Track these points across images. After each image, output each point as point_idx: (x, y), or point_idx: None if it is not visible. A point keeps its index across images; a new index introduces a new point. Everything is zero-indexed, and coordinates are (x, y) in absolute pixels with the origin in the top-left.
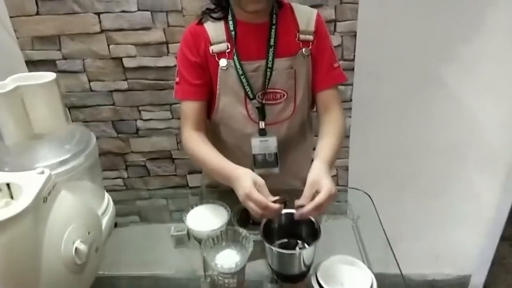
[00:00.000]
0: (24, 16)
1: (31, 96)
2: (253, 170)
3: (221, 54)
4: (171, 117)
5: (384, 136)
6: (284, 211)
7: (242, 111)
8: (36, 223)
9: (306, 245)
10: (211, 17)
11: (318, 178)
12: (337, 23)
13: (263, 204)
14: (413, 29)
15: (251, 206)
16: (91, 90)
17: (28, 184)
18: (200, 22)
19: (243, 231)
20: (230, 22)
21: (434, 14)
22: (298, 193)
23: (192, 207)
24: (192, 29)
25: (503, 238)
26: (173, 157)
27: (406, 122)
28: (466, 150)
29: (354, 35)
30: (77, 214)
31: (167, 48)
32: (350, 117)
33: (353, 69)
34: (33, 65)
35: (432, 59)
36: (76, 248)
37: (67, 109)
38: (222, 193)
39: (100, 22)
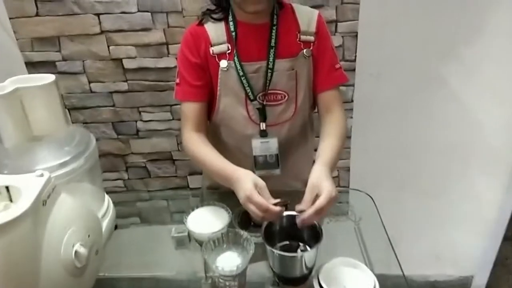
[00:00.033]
0: (23, 17)
1: (30, 98)
2: (254, 172)
3: (221, 55)
4: (171, 118)
5: (385, 137)
6: (286, 213)
7: (243, 112)
8: (35, 226)
9: (307, 247)
10: (212, 18)
11: (318, 181)
12: (338, 23)
13: (264, 207)
14: (414, 29)
15: (252, 208)
16: (91, 92)
17: (27, 187)
18: (201, 23)
19: (244, 233)
20: (231, 23)
21: (435, 15)
22: (300, 194)
23: (193, 209)
24: (193, 30)
25: (505, 239)
26: (174, 158)
27: (407, 122)
28: (468, 151)
29: (355, 35)
30: (77, 217)
31: (167, 49)
32: (351, 117)
33: (354, 70)
34: (32, 66)
35: (433, 60)
36: (76, 251)
37: (67, 111)
38: (223, 194)
39: (100, 23)
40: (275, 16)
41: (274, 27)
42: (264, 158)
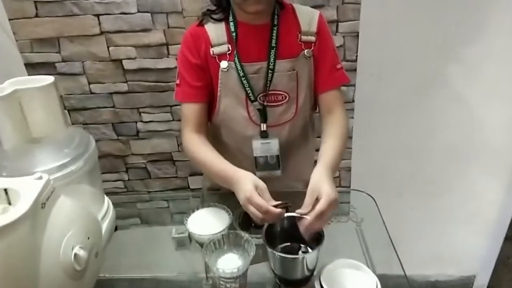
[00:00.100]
0: (23, 18)
1: (29, 99)
2: (254, 173)
3: (221, 56)
4: (171, 119)
5: (386, 137)
6: (286, 214)
7: (243, 113)
8: (34, 230)
9: (309, 249)
10: (212, 18)
11: (318, 185)
12: (339, 23)
13: (264, 208)
14: (415, 29)
15: (252, 210)
16: (91, 93)
17: (26, 189)
18: (201, 24)
19: (245, 235)
20: (231, 23)
21: (436, 14)
22: (301, 195)
23: (193, 211)
24: (193, 31)
25: (507, 238)
26: (174, 159)
27: (408, 122)
28: (469, 150)
29: (356, 35)
30: (76, 219)
31: (167, 49)
32: (352, 118)
33: (355, 70)
34: (32, 67)
35: (435, 60)
36: (75, 254)
37: (66, 112)
38: (224, 196)
39: (99, 24)
40: (275, 17)
41: (275, 28)
42: (265, 159)
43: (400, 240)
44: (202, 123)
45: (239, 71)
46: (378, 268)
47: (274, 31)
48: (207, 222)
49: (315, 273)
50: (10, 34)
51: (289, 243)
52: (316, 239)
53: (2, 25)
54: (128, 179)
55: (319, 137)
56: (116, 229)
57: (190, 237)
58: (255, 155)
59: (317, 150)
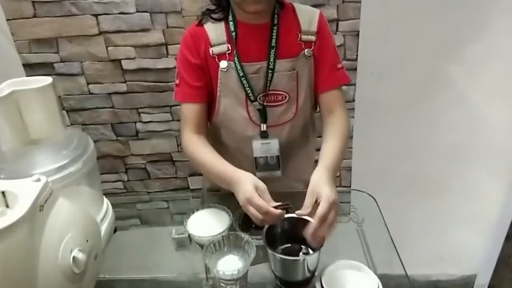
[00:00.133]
0: (21, 18)
1: (27, 101)
2: (254, 173)
3: (221, 56)
4: (171, 119)
5: (387, 137)
6: (287, 216)
7: (243, 113)
8: (32, 232)
9: (310, 250)
10: (211, 18)
11: (318, 186)
12: (340, 22)
13: (264, 209)
14: (417, 28)
15: (252, 211)
16: (90, 93)
17: (24, 192)
18: (200, 23)
19: (245, 236)
20: (231, 23)
21: (438, 13)
22: (301, 196)
23: (193, 212)
24: (192, 31)
25: (508, 237)
26: (174, 159)
27: (409, 122)
28: (471, 151)
29: (356, 34)
30: (75, 222)
31: (167, 49)
32: (353, 117)
33: (355, 69)
34: (30, 68)
35: (436, 59)
36: (74, 257)
37: (65, 113)
38: (224, 196)
39: (98, 24)
40: (275, 16)
41: (275, 27)
42: (265, 159)
43: (401, 240)
44: (202, 123)
45: (238, 71)
46: (379, 268)
47: (274, 31)
48: (207, 223)
49: (316, 274)
50: (8, 34)
51: (289, 244)
52: None
53: (0, 26)
54: (128, 180)
55: (319, 136)
56: (115, 230)
57: (190, 237)
58: (255, 155)
59: (318, 149)
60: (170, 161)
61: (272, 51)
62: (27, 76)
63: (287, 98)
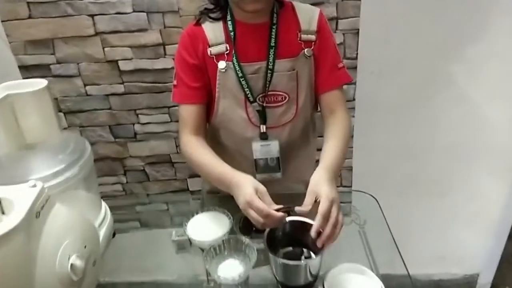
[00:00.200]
0: (16, 20)
1: (22, 104)
2: (254, 175)
3: (219, 56)
4: (169, 120)
5: (388, 136)
6: (288, 218)
7: (242, 115)
8: (28, 240)
9: (311, 253)
10: (209, 17)
11: (318, 186)
12: (339, 20)
13: (265, 212)
14: (417, 26)
15: (252, 214)
16: (87, 95)
17: (20, 198)
18: (198, 23)
19: (245, 240)
20: (229, 23)
21: (439, 11)
22: (302, 197)
23: (193, 215)
24: (190, 30)
25: (511, 236)
26: (173, 161)
27: (410, 121)
28: (472, 150)
29: (356, 32)
30: (73, 228)
31: (164, 49)
32: (353, 116)
33: (355, 68)
34: (26, 70)
35: (437, 57)
36: (71, 264)
37: (62, 115)
38: (224, 199)
39: (94, 24)
40: (274, 15)
41: (274, 26)
42: (265, 161)
43: (403, 240)
44: (200, 125)
45: (237, 72)
46: (381, 269)
47: (273, 30)
48: (207, 227)
49: (318, 278)
50: (3, 36)
51: (291, 248)
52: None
53: None
54: (127, 182)
55: (320, 136)
56: (114, 235)
57: (190, 239)
58: (254, 157)
59: (319, 150)
60: (169, 163)
61: (272, 51)
62: (23, 78)
63: (287, 99)
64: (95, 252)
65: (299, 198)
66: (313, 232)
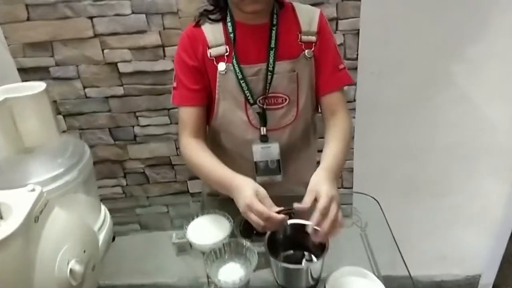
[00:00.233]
0: (14, 22)
1: (20, 108)
2: (255, 178)
3: (219, 58)
4: (169, 122)
5: (389, 136)
6: (290, 221)
7: (242, 117)
8: (27, 245)
9: (313, 256)
10: (209, 19)
11: (317, 184)
12: (339, 21)
13: (265, 215)
14: (418, 26)
15: (252, 217)
16: (86, 97)
17: (18, 202)
18: (198, 24)
19: (246, 243)
20: (229, 24)
21: (440, 11)
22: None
23: (193, 218)
24: (189, 32)
25: None
26: (173, 163)
27: (411, 122)
28: (473, 150)
29: (356, 33)
30: (72, 232)
31: (164, 51)
32: (354, 117)
33: (356, 69)
34: (25, 72)
35: (437, 57)
36: (71, 269)
37: (62, 117)
38: (224, 201)
39: (93, 26)
40: (274, 16)
41: (274, 28)
42: (265, 163)
43: (404, 241)
44: (200, 127)
45: (237, 74)
46: (383, 270)
47: (273, 31)
48: (207, 230)
49: (320, 281)
50: (2, 38)
51: (292, 251)
52: (320, 246)
53: None
54: (127, 185)
55: (321, 137)
56: (113, 239)
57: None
58: (255, 160)
59: (320, 151)
60: (169, 165)
61: (272, 52)
62: (22, 80)
63: (287, 101)
64: (95, 256)
65: (300, 200)
66: (309, 228)
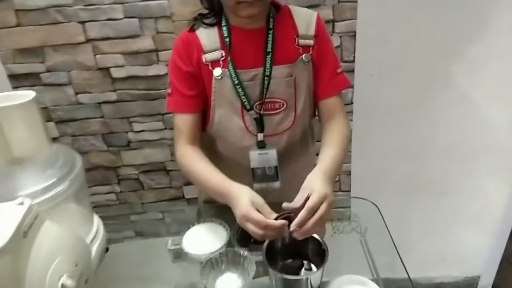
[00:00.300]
0: (4, 28)
1: (9, 118)
2: (252, 185)
3: (215, 63)
4: (163, 127)
5: (388, 137)
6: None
7: (239, 123)
8: (16, 261)
9: (312, 265)
10: (204, 23)
11: (310, 183)
12: (336, 23)
13: (263, 224)
14: (415, 27)
15: (250, 227)
16: (78, 103)
17: (6, 217)
18: (192, 29)
19: (244, 253)
20: (224, 28)
21: (437, 12)
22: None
23: (189, 227)
24: (184, 37)
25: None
26: (168, 168)
27: (409, 124)
28: (473, 150)
29: (353, 35)
30: (63, 246)
31: (157, 56)
32: (351, 120)
33: (353, 71)
34: (15, 79)
35: (435, 59)
36: (62, 285)
37: (54, 124)
38: (221, 208)
39: (85, 31)
40: (271, 20)
41: (271, 32)
42: (262, 170)
43: (404, 242)
44: (196, 134)
45: (233, 79)
46: (382, 273)
47: (270, 35)
48: (203, 239)
49: None
50: None
51: (291, 260)
52: (319, 254)
53: None
54: (121, 191)
55: (318, 141)
56: (107, 250)
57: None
58: (252, 166)
59: (318, 154)
60: (164, 171)
61: (268, 56)
62: (12, 87)
63: (285, 106)
64: (87, 269)
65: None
66: (293, 225)
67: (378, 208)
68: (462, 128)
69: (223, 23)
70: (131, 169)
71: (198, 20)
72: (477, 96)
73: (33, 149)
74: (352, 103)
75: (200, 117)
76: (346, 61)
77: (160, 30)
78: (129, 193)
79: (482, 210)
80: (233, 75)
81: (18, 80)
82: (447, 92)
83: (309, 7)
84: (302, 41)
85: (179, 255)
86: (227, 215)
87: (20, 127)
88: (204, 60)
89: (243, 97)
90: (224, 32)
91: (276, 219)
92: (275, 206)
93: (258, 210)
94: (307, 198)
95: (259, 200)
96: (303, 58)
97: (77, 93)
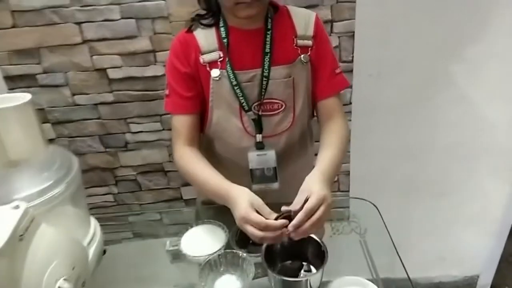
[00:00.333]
0: None
1: (4, 120)
2: (251, 186)
3: (213, 64)
4: (161, 128)
5: (386, 139)
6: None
7: (237, 124)
8: (12, 265)
9: (311, 266)
10: (201, 23)
11: (309, 185)
12: (334, 23)
13: (262, 224)
14: (414, 27)
15: (249, 229)
16: (75, 104)
17: (2, 221)
18: (190, 30)
19: (242, 254)
20: (222, 29)
21: (436, 12)
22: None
23: (187, 229)
24: (181, 38)
25: (511, 236)
26: (165, 169)
27: (408, 124)
28: (472, 150)
29: (352, 35)
30: (60, 249)
31: (155, 56)
32: (350, 120)
33: (351, 71)
34: (11, 81)
35: (434, 59)
36: None
37: (50, 126)
38: (219, 209)
39: (81, 32)
40: (269, 20)
41: (269, 32)
42: (261, 171)
43: (404, 242)
44: (194, 135)
45: (231, 80)
46: (381, 273)
47: (268, 36)
48: (202, 241)
49: None
50: None
51: (290, 261)
52: (319, 255)
53: None
54: (118, 193)
55: (317, 141)
56: (104, 252)
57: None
58: (250, 167)
59: (317, 155)
60: (161, 172)
61: (267, 57)
62: (8, 89)
63: (284, 107)
64: (84, 272)
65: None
66: (290, 227)
67: (377, 209)
68: (462, 128)
69: (221, 23)
70: (129, 170)
71: (196, 20)
72: (477, 96)
73: (29, 152)
74: (350, 103)
75: (198, 118)
76: (344, 61)
77: (158, 31)
78: (127, 194)
79: (482, 210)
80: (231, 76)
81: (14, 82)
82: (447, 92)
83: (308, 7)
84: (300, 42)
85: (177, 256)
86: (226, 217)
87: (16, 129)
88: (202, 61)
89: (241, 98)
90: (222, 33)
91: (276, 219)
92: (274, 207)
93: (257, 211)
94: (306, 200)
95: (258, 201)
96: (302, 59)
97: (73, 94)
